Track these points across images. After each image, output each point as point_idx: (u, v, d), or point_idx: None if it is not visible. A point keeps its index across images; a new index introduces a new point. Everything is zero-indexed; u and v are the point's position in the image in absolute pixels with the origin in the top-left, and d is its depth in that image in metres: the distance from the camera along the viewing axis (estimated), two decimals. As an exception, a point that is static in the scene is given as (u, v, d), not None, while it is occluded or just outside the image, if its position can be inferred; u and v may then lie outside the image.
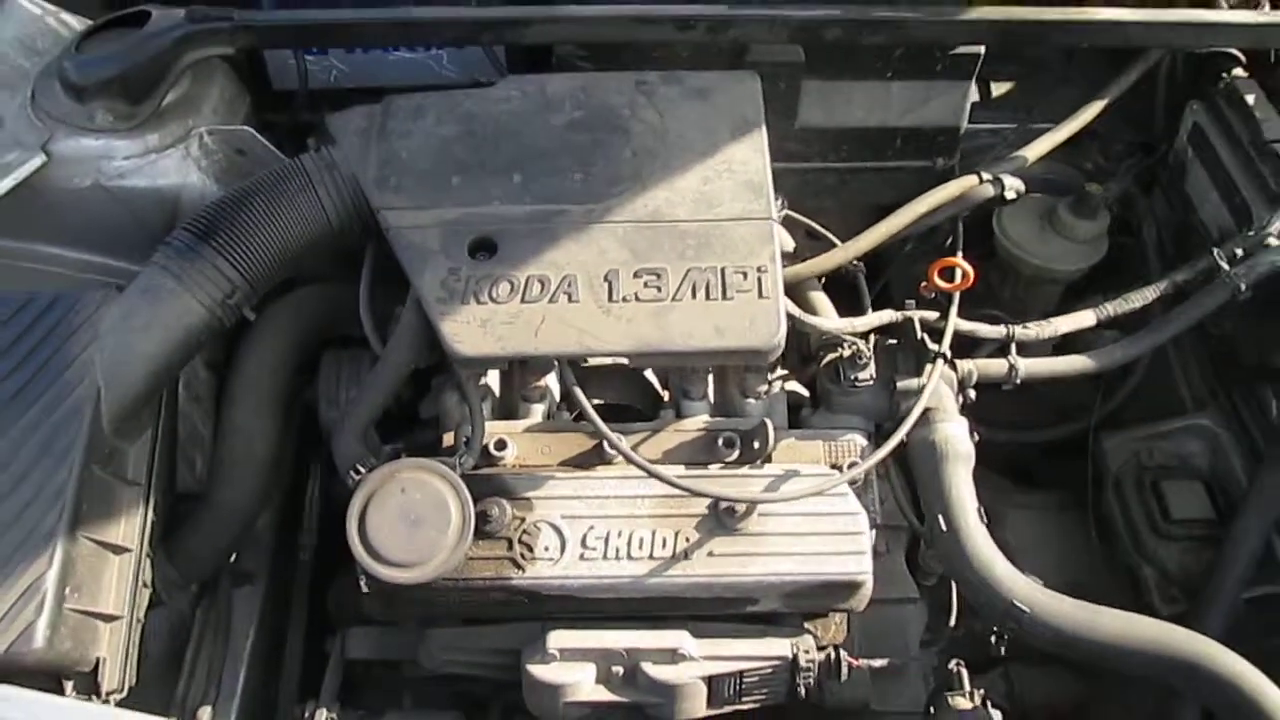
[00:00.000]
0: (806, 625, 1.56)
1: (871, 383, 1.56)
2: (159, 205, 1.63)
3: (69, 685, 1.33)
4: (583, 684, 1.45)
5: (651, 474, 1.39)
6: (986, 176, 1.75)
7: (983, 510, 1.53)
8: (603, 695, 1.46)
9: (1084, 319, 1.70)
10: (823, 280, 1.85)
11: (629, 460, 1.39)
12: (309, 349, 1.64)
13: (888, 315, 1.62)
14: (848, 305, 1.75)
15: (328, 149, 1.53)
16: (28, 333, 1.39)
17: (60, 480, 1.32)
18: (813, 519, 1.47)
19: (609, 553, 1.45)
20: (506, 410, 1.62)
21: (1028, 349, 1.71)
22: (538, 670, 1.45)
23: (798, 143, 1.89)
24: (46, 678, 1.30)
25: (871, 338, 1.66)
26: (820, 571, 1.45)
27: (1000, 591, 1.47)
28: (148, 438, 1.48)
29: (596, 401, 1.68)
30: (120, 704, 1.43)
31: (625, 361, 1.45)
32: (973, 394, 1.64)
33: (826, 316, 1.70)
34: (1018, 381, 1.65)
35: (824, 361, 1.60)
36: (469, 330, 1.38)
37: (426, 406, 1.68)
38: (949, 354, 1.57)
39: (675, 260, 1.42)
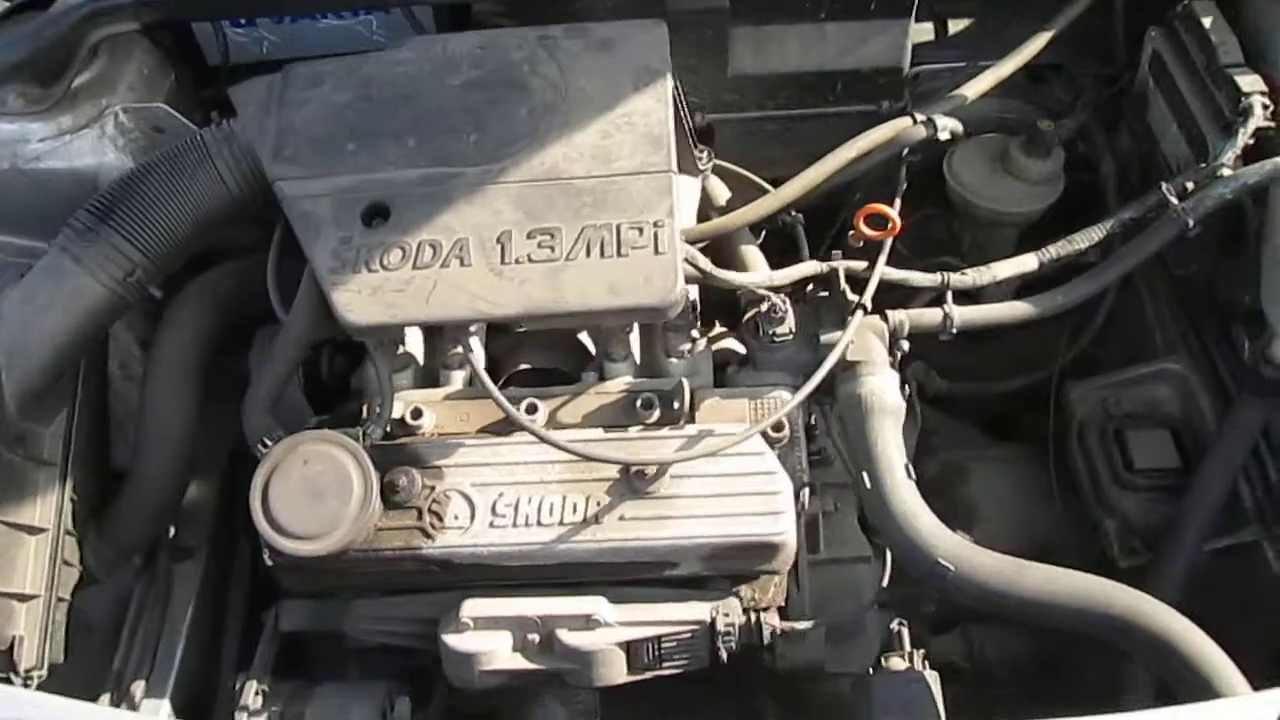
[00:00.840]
0: (741, 587, 1.53)
1: (790, 337, 1.51)
2: (77, 185, 1.62)
3: (-16, 664, 1.36)
4: (498, 652, 1.44)
5: (545, 440, 1.36)
6: (920, 117, 1.67)
7: (910, 466, 1.48)
8: (519, 664, 1.44)
9: (1025, 263, 1.63)
10: (763, 234, 1.81)
11: (524, 427, 1.36)
12: (226, 325, 1.63)
13: (810, 267, 1.56)
14: (791, 257, 1.70)
15: (228, 121, 1.51)
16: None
17: (-42, 465, 1.33)
18: (727, 479, 1.43)
19: (519, 520, 1.42)
20: (429, 378, 1.61)
21: (971, 297, 1.64)
22: (452, 640, 1.43)
23: (733, 92, 1.83)
24: (-40, 657, 1.32)
25: (800, 291, 1.61)
26: (735, 533, 1.41)
27: (924, 549, 1.42)
28: (63, 418, 1.49)
29: (525, 367, 1.66)
30: (49, 680, 1.46)
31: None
32: (905, 345, 1.58)
33: (756, 270, 1.65)
34: (953, 331, 1.58)
35: (745, 317, 1.55)
36: (359, 299, 1.35)
37: (356, 377, 1.67)
38: (869, 305, 1.51)
39: (570, 219, 1.38)
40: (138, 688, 1.56)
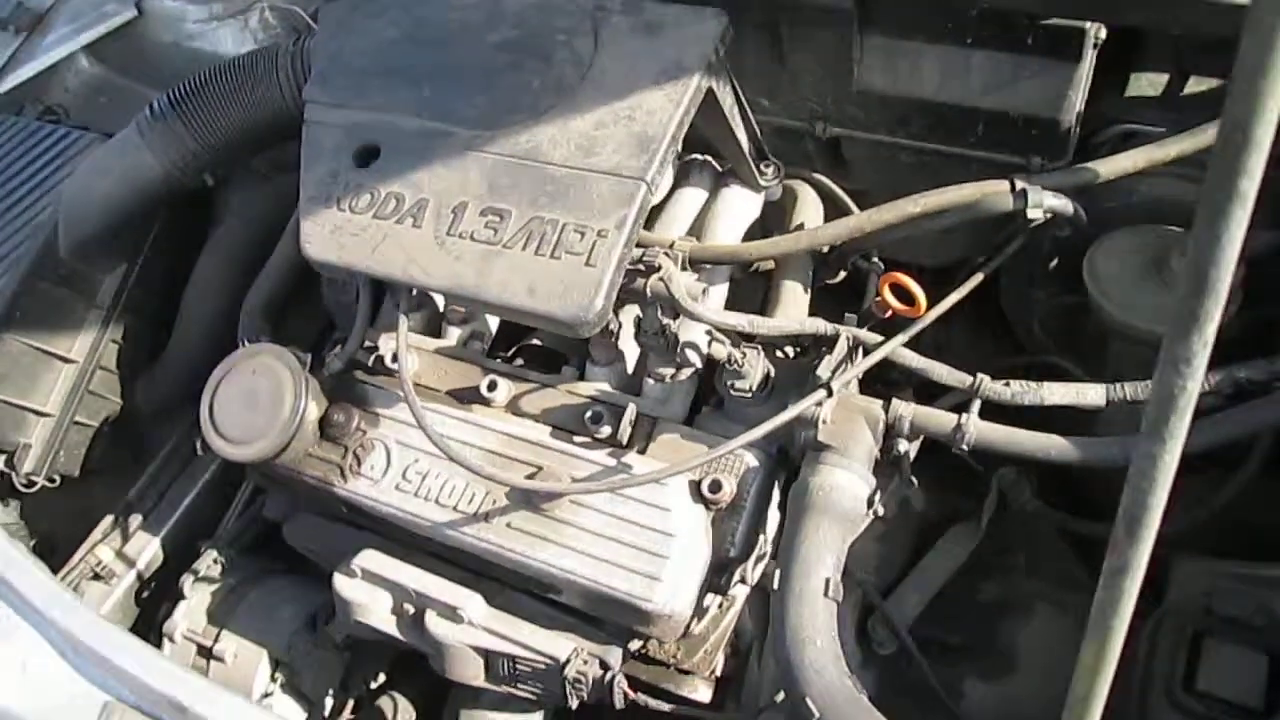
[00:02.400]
0: (666, 642, 1.41)
1: (749, 395, 1.32)
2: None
3: (-1, 460, 1.58)
4: (374, 610, 1.44)
5: (440, 448, 1.30)
6: (1019, 184, 1.36)
7: (834, 582, 1.25)
8: (389, 629, 1.43)
9: (1087, 394, 1.29)
10: (841, 276, 1.59)
11: (424, 431, 1.31)
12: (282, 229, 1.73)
13: (813, 324, 1.35)
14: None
15: (306, 39, 1.57)
16: (39, 158, 1.62)
17: (6, 286, 1.54)
18: (623, 525, 1.31)
19: (421, 490, 1.40)
20: (435, 326, 1.61)
21: (1003, 414, 1.34)
22: (340, 582, 1.45)
23: (858, 108, 1.60)
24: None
25: (812, 348, 1.41)
26: (605, 583, 1.29)
27: (799, 678, 1.20)
28: (121, 271, 1.67)
29: (535, 342, 1.61)
30: (57, 489, 1.67)
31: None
32: (904, 446, 1.33)
33: (787, 311, 1.46)
34: (965, 446, 1.30)
35: (720, 360, 1.38)
36: (320, 233, 1.37)
37: (325, 300, 1.70)
38: (836, 386, 1.27)
39: (525, 205, 1.29)
40: (135, 520, 1.74)
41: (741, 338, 1.35)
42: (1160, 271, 1.46)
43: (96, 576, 1.70)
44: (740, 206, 1.51)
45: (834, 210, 1.62)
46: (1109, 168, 1.36)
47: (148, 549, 1.75)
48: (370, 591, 1.44)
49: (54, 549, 1.78)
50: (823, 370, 1.28)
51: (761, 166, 1.49)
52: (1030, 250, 1.57)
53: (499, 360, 1.54)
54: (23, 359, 1.57)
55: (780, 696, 1.32)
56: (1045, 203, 1.33)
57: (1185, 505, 1.47)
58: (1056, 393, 1.29)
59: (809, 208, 1.60)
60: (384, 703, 1.70)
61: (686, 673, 1.44)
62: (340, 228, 1.36)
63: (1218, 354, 1.20)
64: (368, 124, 1.41)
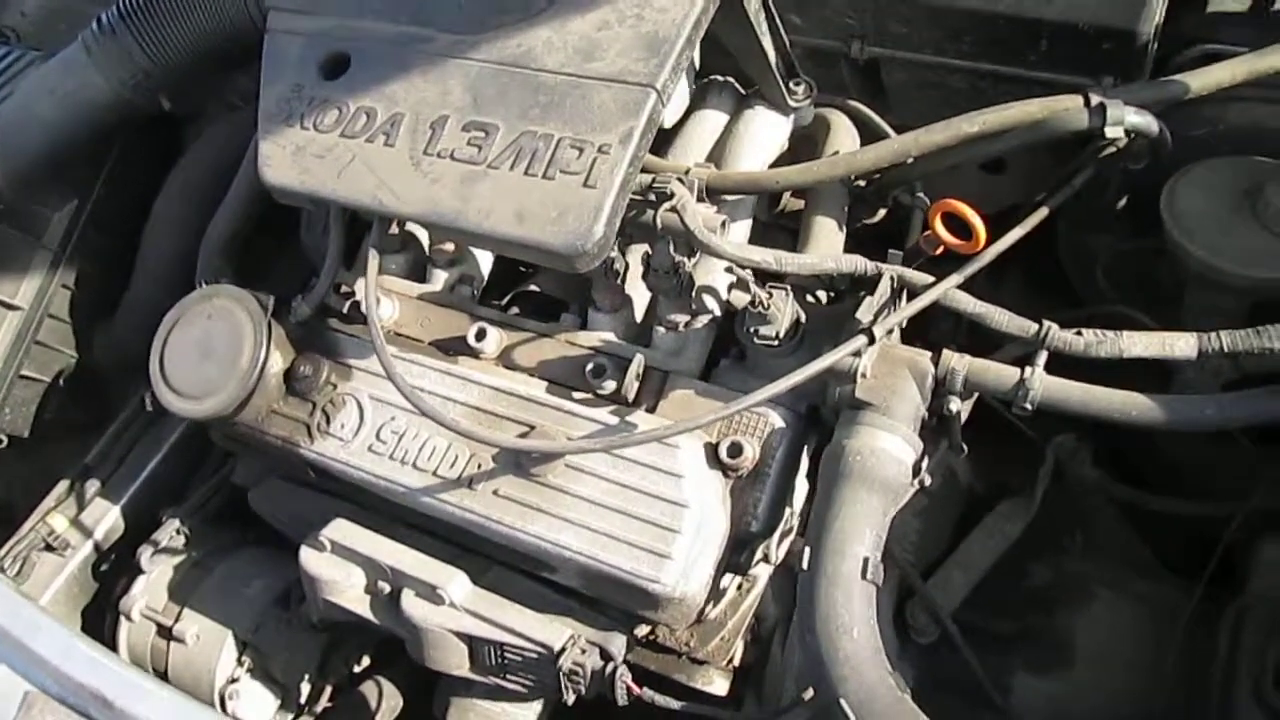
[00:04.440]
0: (679, 628, 1.23)
1: (776, 343, 1.13)
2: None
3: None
4: (345, 588, 1.26)
5: (416, 405, 1.13)
6: (1094, 99, 1.16)
7: (873, 561, 1.07)
8: (363, 610, 1.26)
9: (1176, 345, 1.09)
10: (882, 213, 1.40)
11: (397, 387, 1.13)
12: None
13: (850, 262, 1.16)
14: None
15: (272, -62, 1.38)
16: (-15, 79, 1.44)
17: (-59, 225, 1.37)
18: (628, 494, 1.13)
19: (396, 453, 1.23)
20: (421, 270, 1.43)
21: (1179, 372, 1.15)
22: (307, 555, 1.28)
23: (902, 23, 1.41)
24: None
25: (852, 291, 1.22)
26: (607, 561, 1.11)
27: (833, 675, 1.02)
28: (71, 207, 1.49)
29: (533, 288, 1.43)
30: (24, 454, 1.51)
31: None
32: (955, 405, 1.14)
33: (819, 248, 1.27)
34: (1028, 405, 1.11)
35: (742, 304, 1.19)
36: (280, 155, 1.19)
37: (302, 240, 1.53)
38: (879, 332, 1.08)
39: (514, 118, 1.10)
40: (92, 486, 1.58)
41: (768, 278, 1.16)
42: (1254, 208, 1.26)
43: (49, 548, 1.54)
44: (766, 131, 1.31)
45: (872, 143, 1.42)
46: (1200, 81, 1.17)
47: (106, 517, 1.58)
48: (341, 567, 1.27)
49: (12, 518, 1.62)
50: (863, 314, 1.09)
51: (791, 85, 1.30)
52: (1095, 186, 1.36)
53: (490, 307, 1.36)
54: (-40, 303, 1.41)
55: (809, 694, 1.14)
56: (1127, 119, 1.13)
57: (1267, 484, 1.29)
58: (1138, 343, 1.10)
59: (844, 137, 1.41)
60: (367, 689, 1.53)
61: (700, 662, 1.26)
62: (302, 148, 1.18)
63: None
64: (336, 31, 1.23)
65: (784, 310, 1.12)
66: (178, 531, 1.51)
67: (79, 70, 1.39)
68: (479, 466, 1.18)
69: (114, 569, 1.59)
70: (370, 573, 1.26)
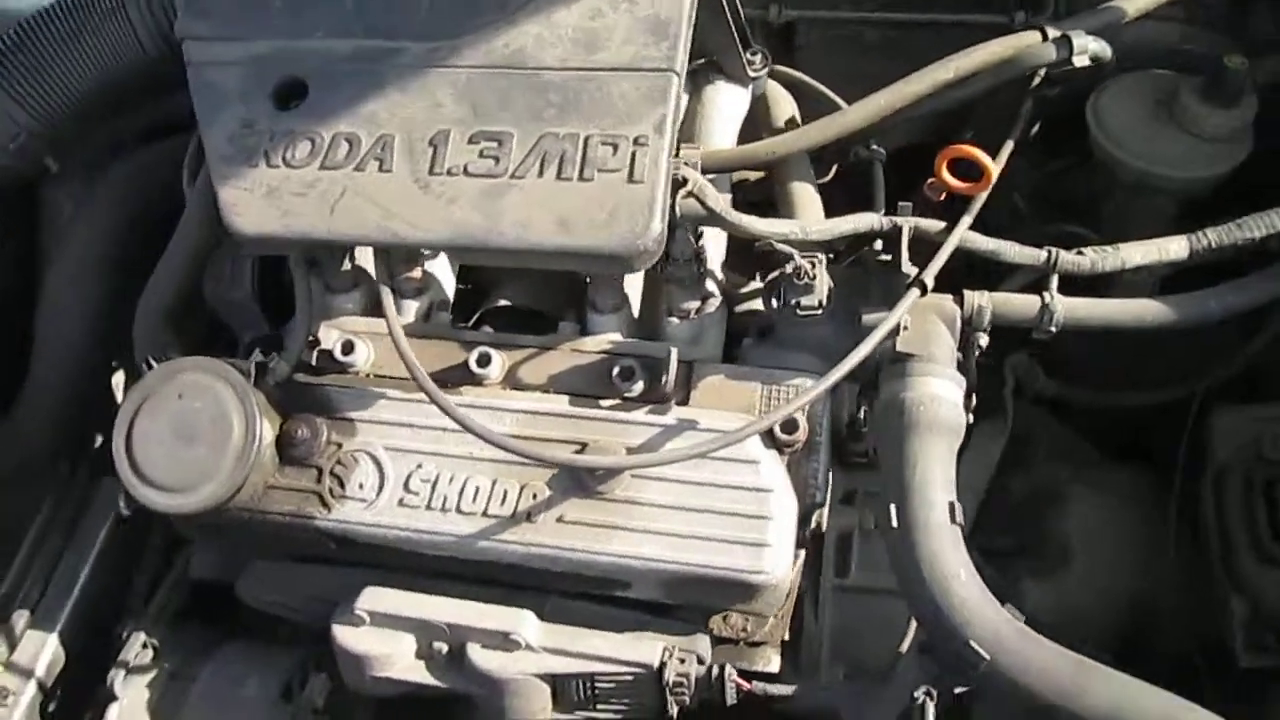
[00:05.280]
0: (731, 615, 1.20)
1: (818, 311, 1.13)
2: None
3: None
4: (396, 658, 1.16)
5: (461, 424, 1.04)
6: (1053, 33, 1.23)
7: (956, 505, 1.09)
8: (420, 676, 1.16)
9: (1170, 248, 1.18)
10: (834, 171, 1.41)
11: (436, 403, 1.04)
12: (156, 213, 1.36)
13: (868, 220, 1.17)
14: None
15: (155, -40, 1.22)
16: None
17: None
18: (704, 491, 1.09)
19: (434, 501, 1.13)
20: (376, 305, 1.31)
21: (1115, 283, 1.22)
22: (344, 634, 1.16)
23: (819, -19, 1.42)
24: None
25: (855, 251, 1.23)
26: (702, 563, 1.07)
27: (954, 621, 1.04)
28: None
29: (503, 303, 1.35)
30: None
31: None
32: (984, 340, 1.18)
33: (805, 215, 1.27)
34: (1052, 328, 1.17)
35: (769, 278, 1.17)
36: (251, 201, 1.06)
37: None
38: (929, 281, 1.11)
39: (526, 122, 1.03)
40: (20, 618, 1.36)
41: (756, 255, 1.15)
42: (1172, 114, 1.37)
43: (-15, 700, 1.31)
44: (731, 105, 1.30)
45: (807, 104, 1.43)
46: (1133, 6, 1.25)
47: (45, 651, 1.36)
48: (386, 637, 1.16)
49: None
50: (907, 267, 1.11)
51: (748, 55, 1.28)
52: (1006, 117, 1.44)
53: (473, 331, 1.27)
54: None
55: (907, 646, 1.16)
56: (1090, 48, 1.20)
57: (1225, 354, 1.42)
58: (1137, 252, 1.18)
59: (784, 103, 1.41)
60: None
61: (757, 644, 1.25)
62: (276, 189, 1.06)
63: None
64: (279, 55, 1.11)
65: (823, 278, 1.12)
66: (143, 645, 1.33)
67: (-59, 139, 1.17)
68: (535, 497, 1.11)
69: (66, 706, 1.38)
70: (423, 636, 1.16)
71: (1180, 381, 1.51)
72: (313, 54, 1.09)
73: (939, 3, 1.42)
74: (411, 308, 1.29)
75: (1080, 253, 1.19)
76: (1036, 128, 1.54)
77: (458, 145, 1.03)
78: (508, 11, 1.07)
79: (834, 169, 1.42)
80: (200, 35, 1.12)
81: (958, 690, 1.10)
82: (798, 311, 1.13)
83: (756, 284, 1.35)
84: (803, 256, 1.10)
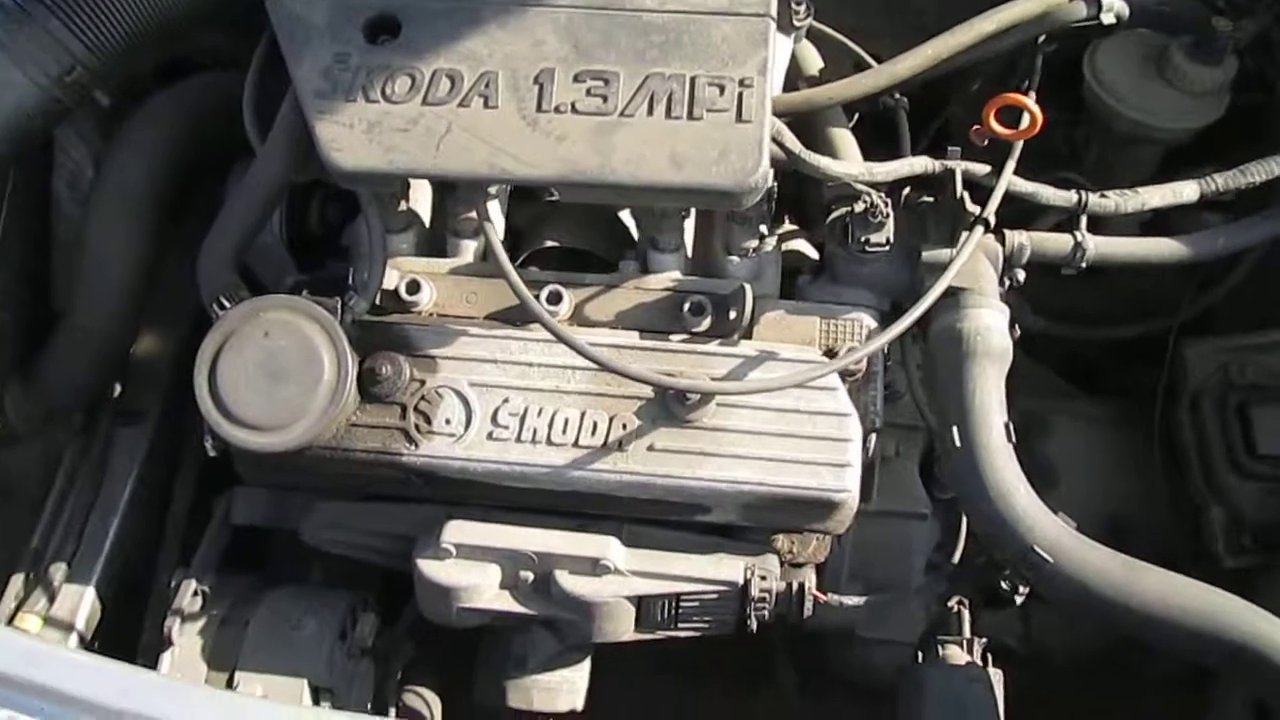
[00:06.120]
0: (780, 539, 1.28)
1: (887, 248, 1.20)
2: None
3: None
4: (482, 588, 1.19)
5: (573, 346, 1.08)
6: (1084, -9, 1.33)
7: (1011, 426, 1.19)
8: (506, 604, 1.20)
9: (1182, 191, 1.31)
10: (855, 117, 1.48)
11: (547, 328, 1.08)
12: (199, 150, 1.34)
13: (921, 163, 1.25)
14: (886, 151, 1.38)
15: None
16: None
17: None
18: (788, 417, 1.15)
19: (524, 434, 1.15)
20: (435, 244, 1.32)
21: (1104, 224, 1.33)
22: (429, 567, 1.18)
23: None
24: None
25: (899, 193, 1.30)
26: (789, 484, 1.14)
27: (1018, 531, 1.15)
28: (-20, 249, 1.21)
29: (551, 244, 1.37)
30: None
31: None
32: (1021, 275, 1.28)
33: (847, 159, 1.34)
34: (1083, 264, 1.28)
35: (831, 217, 1.24)
36: (351, 136, 1.05)
37: (349, 233, 1.38)
38: (992, 220, 1.20)
39: (631, 62, 1.06)
40: (57, 571, 1.32)
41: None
42: (1161, 71, 1.50)
43: (23, 655, 1.27)
44: (781, 51, 1.34)
45: (831, 52, 1.50)
46: (1148, -33, 1.36)
47: (83, 604, 1.34)
48: (471, 569, 1.19)
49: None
50: (970, 206, 1.19)
51: (794, 4, 1.33)
52: (1001, 73, 1.55)
53: (529, 268, 1.30)
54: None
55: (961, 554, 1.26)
56: (1115, 6, 1.30)
57: (1194, 289, 1.58)
58: (1154, 195, 1.30)
59: (812, 54, 1.47)
60: (414, 702, 1.44)
61: (799, 565, 1.34)
62: (376, 124, 1.06)
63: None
64: (367, -12, 1.09)
65: (891, 216, 1.19)
66: (195, 593, 1.32)
67: (-12, 68, 1.11)
68: (624, 427, 1.15)
69: (107, 654, 1.35)
70: (509, 565, 1.20)
71: (1153, 316, 1.66)
72: (403, -12, 1.09)
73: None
74: (470, 247, 1.30)
75: (1104, 195, 1.29)
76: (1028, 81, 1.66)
77: (563, 83, 1.05)
78: (601, -49, 1.09)
79: (855, 116, 1.49)
80: (278, -33, 1.10)
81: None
82: (866, 248, 1.20)
83: (788, 225, 1.42)
84: (878, 196, 1.17)
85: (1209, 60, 1.46)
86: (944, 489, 1.58)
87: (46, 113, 1.15)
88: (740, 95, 1.04)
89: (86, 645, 1.33)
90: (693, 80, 1.05)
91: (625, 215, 1.37)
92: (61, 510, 1.37)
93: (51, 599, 1.32)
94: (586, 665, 1.32)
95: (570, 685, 1.32)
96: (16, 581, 1.31)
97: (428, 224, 1.33)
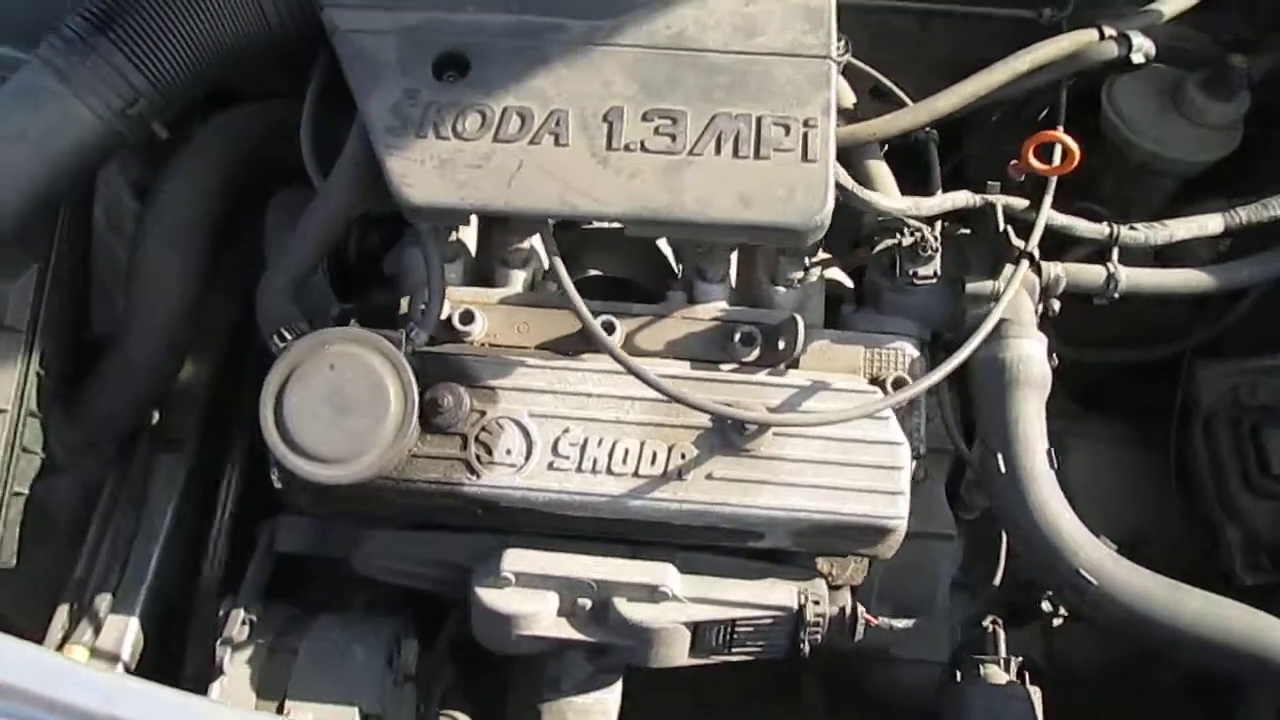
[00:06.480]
0: (821, 562, 1.31)
1: (934, 280, 1.24)
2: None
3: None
4: (541, 616, 1.21)
5: (642, 378, 1.10)
6: (1110, 32, 1.38)
7: (1053, 452, 1.24)
8: (564, 631, 1.21)
9: (1208, 224, 1.36)
10: (884, 148, 1.52)
11: (617, 360, 1.10)
12: (244, 180, 1.34)
13: (964, 198, 1.29)
14: (914, 183, 1.42)
15: (266, -78, 1.19)
16: None
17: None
18: (843, 445, 1.18)
19: (584, 464, 1.17)
20: (482, 274, 1.33)
21: (1130, 255, 1.38)
22: (489, 596, 1.20)
23: (865, -28, 1.52)
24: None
25: (939, 225, 1.34)
26: (845, 511, 1.17)
27: (1064, 554, 1.19)
28: (33, 274, 1.20)
29: (594, 273, 1.39)
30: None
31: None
32: (1056, 305, 1.32)
33: (886, 193, 1.37)
34: (1115, 295, 1.32)
35: (877, 249, 1.27)
36: (423, 172, 1.07)
37: (390, 261, 1.39)
38: (1036, 253, 1.24)
39: (698, 101, 1.09)
40: (103, 602, 1.32)
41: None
42: (1176, 105, 1.55)
43: (70, 688, 1.26)
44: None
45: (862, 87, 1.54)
46: (1170, 7, 1.41)
47: (128, 634, 1.33)
48: (532, 597, 1.21)
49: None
50: (1015, 240, 1.23)
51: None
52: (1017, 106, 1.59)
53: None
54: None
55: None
56: (1144, 46, 1.35)
57: (1207, 316, 1.63)
58: (1181, 228, 1.35)
59: (846, 89, 1.51)
60: None
61: (837, 588, 1.37)
62: (449, 160, 1.07)
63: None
64: (434, 26, 1.12)
65: (939, 250, 1.23)
66: (243, 622, 1.32)
67: (53, 101, 1.10)
68: (683, 456, 1.17)
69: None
70: (567, 593, 1.21)
71: (1163, 341, 1.71)
72: (468, 27, 1.11)
73: (963, -5, 1.54)
74: (519, 277, 1.32)
75: (1134, 228, 1.34)
76: (1043, 114, 1.71)
77: (632, 121, 1.08)
78: (663, -7, 1.12)
79: (884, 147, 1.53)
80: (344, 2, 1.12)
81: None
82: (914, 280, 1.24)
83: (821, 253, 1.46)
84: (925, 231, 1.21)
85: (1224, 95, 1.52)
86: (969, 510, 1.62)
87: (108, 145, 1.16)
88: (805, 135, 1.07)
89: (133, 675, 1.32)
90: (758, 120, 1.08)
91: (663, 244, 1.40)
92: (103, 539, 1.37)
93: (97, 630, 1.31)
94: (619, 687, 1.34)
95: (603, 707, 1.34)
96: (62, 613, 1.30)
97: (473, 254, 1.34)
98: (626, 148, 1.07)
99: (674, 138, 1.08)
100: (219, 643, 1.29)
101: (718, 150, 1.07)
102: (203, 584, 1.43)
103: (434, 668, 1.43)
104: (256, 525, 1.44)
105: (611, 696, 1.34)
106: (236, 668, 1.31)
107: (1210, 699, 1.59)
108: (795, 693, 1.76)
